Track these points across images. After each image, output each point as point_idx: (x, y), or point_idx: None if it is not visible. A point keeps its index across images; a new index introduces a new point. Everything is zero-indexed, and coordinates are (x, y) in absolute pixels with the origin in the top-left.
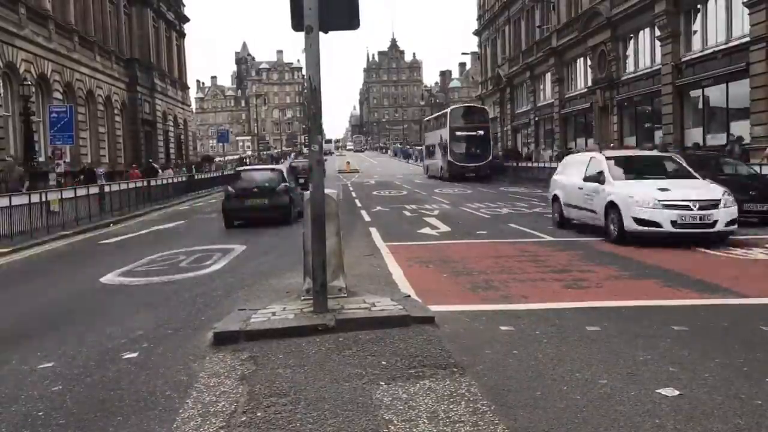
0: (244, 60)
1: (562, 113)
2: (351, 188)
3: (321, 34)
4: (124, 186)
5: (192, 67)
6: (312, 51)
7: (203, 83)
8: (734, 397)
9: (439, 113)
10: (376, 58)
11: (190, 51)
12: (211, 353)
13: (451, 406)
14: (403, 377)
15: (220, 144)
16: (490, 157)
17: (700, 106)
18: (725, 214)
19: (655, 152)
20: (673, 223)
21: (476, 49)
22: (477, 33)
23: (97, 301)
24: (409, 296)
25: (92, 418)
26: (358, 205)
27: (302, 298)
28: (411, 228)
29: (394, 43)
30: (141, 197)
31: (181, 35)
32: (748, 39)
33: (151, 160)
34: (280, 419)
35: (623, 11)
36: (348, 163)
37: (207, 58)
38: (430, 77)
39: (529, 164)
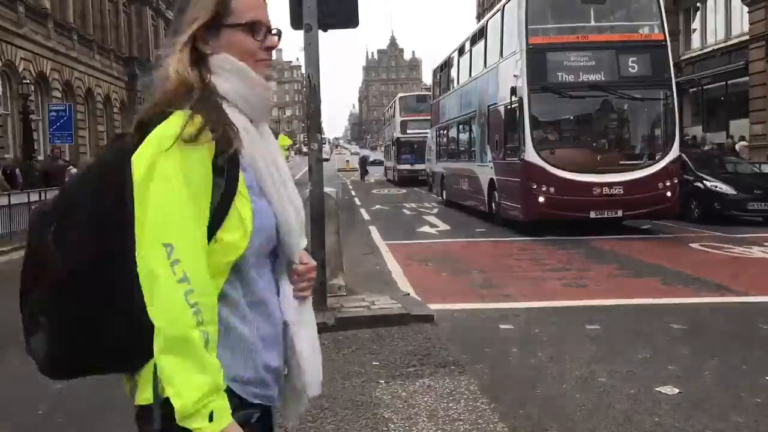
0: None
1: None
2: (350, 187)
3: (320, 32)
4: None
5: None
6: (311, 49)
7: None
8: (733, 395)
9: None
10: (376, 57)
11: None
12: None
13: (450, 405)
14: (403, 375)
15: None
16: None
17: (699, 104)
18: None
19: None
20: None
21: None
22: None
23: None
24: (409, 294)
25: (92, 418)
26: (358, 203)
27: None
28: (410, 226)
29: (393, 41)
30: None
31: None
32: (747, 37)
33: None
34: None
35: None
36: (348, 162)
37: None
38: (429, 75)
39: None
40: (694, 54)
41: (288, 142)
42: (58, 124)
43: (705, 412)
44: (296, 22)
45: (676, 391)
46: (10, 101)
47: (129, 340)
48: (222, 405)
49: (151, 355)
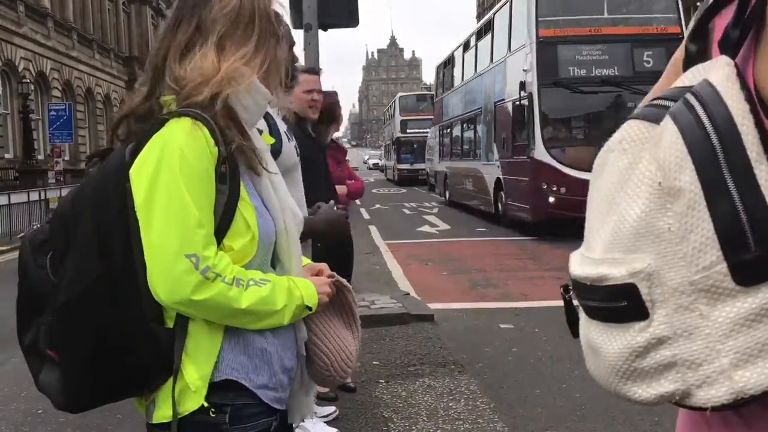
0: None
1: None
2: None
3: (320, 31)
4: None
5: None
6: (311, 49)
7: None
8: None
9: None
10: (376, 56)
11: None
12: None
13: (450, 404)
14: (403, 375)
15: None
16: None
17: None
18: None
19: None
20: None
21: None
22: None
23: None
24: (409, 294)
25: (91, 417)
26: (357, 203)
27: None
28: (410, 226)
29: (393, 41)
30: None
31: None
32: None
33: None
34: None
35: None
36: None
37: None
38: (429, 75)
39: None
40: None
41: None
42: (57, 123)
43: None
44: (296, 21)
45: None
46: (10, 101)
47: (147, 358)
48: (300, 292)
49: (169, 372)
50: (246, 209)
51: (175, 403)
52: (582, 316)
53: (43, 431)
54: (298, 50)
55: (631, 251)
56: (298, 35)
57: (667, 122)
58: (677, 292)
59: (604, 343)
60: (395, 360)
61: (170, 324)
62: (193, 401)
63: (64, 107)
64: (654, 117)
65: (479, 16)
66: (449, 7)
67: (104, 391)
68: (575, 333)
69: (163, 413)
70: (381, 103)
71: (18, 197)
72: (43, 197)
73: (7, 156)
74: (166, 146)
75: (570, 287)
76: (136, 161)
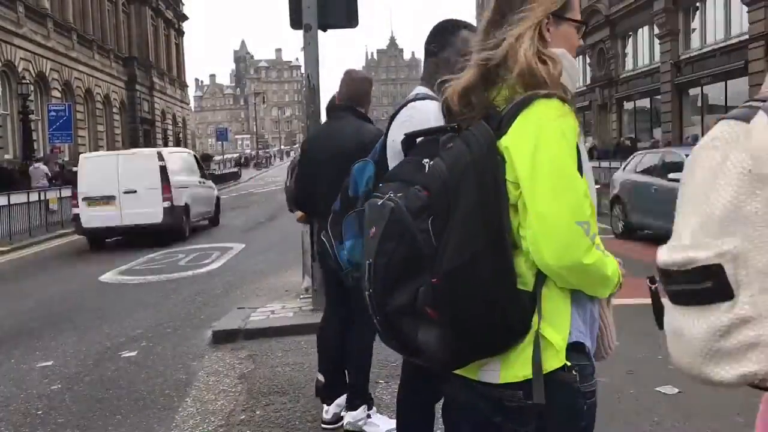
0: (242, 58)
1: None
2: None
3: (320, 32)
4: None
5: (191, 65)
6: (311, 49)
7: (202, 81)
8: (733, 395)
9: None
10: (375, 57)
11: (189, 49)
12: (210, 352)
13: None
14: None
15: (219, 142)
16: None
17: (699, 104)
18: None
19: None
20: None
21: None
22: None
23: (97, 299)
24: None
25: (91, 417)
26: None
27: (301, 296)
28: None
29: (393, 42)
30: None
31: (180, 33)
32: (746, 37)
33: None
34: (279, 418)
35: (622, 9)
36: None
37: (206, 57)
38: None
39: None
40: (693, 53)
41: None
42: (57, 124)
43: (705, 411)
44: (296, 21)
45: (676, 390)
46: (10, 101)
47: (512, 319)
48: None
49: (524, 333)
50: (586, 183)
51: (540, 362)
52: (667, 304)
53: None
54: (298, 51)
55: (718, 236)
56: (297, 35)
57: (761, 116)
58: (762, 274)
59: (687, 325)
60: (395, 360)
61: (529, 288)
62: (556, 360)
63: (63, 108)
64: (744, 116)
65: (479, 17)
66: (449, 8)
67: (475, 348)
68: (660, 324)
69: (515, 373)
70: (381, 103)
71: (18, 198)
72: (42, 198)
73: (6, 156)
74: (544, 125)
75: (656, 278)
76: (511, 136)
